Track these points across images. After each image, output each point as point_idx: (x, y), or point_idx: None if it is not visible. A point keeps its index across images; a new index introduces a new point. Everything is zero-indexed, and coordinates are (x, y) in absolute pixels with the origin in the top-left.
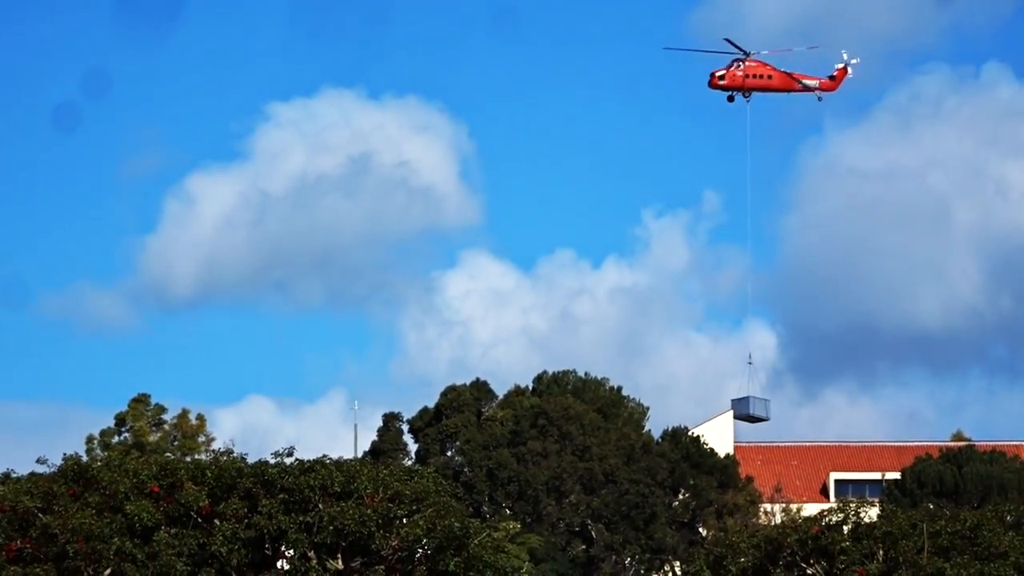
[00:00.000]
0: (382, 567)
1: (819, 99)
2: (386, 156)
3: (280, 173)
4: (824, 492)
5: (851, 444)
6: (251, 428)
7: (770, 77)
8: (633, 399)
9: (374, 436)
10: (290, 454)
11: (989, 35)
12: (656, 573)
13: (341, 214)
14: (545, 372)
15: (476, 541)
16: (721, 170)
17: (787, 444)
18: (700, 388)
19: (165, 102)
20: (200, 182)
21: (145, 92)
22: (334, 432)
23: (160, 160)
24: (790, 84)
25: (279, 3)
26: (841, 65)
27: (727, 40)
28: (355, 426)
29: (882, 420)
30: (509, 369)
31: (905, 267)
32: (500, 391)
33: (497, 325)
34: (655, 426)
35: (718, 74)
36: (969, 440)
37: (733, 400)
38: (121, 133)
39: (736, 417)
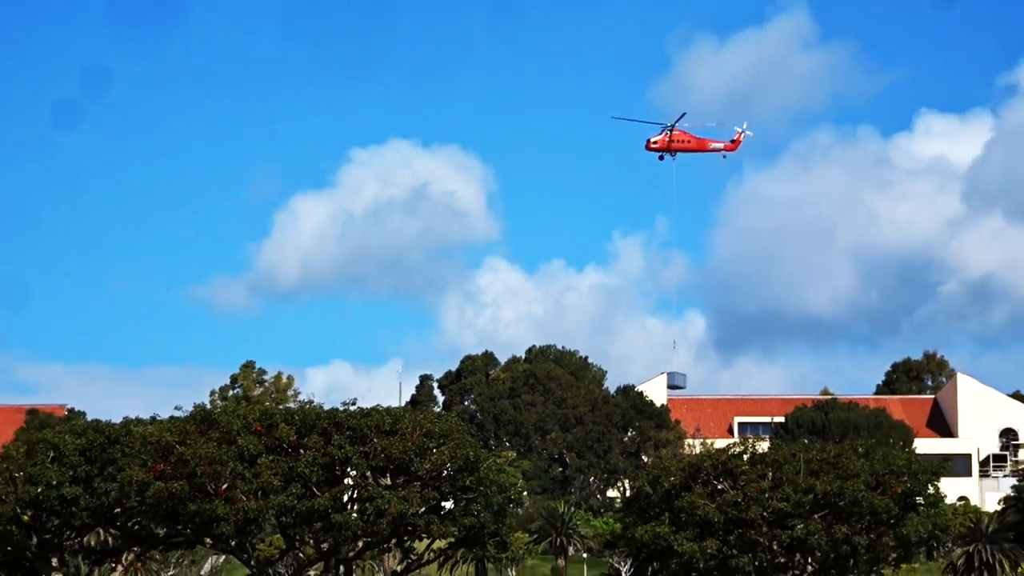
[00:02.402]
0: (418, 483)
1: (723, 157)
2: (436, 188)
3: (359, 199)
4: (731, 431)
5: (750, 397)
6: (335, 384)
7: (688, 142)
8: (596, 365)
9: (413, 391)
10: (354, 403)
11: (863, 103)
12: (612, 488)
13: (403, 229)
14: (534, 346)
15: (485, 465)
16: (670, 200)
17: (705, 397)
18: (651, 356)
19: (279, 143)
20: (301, 203)
21: (263, 134)
22: (392, 387)
23: (273, 186)
24: (703, 147)
25: (358, 72)
26: (739, 133)
27: (659, 123)
28: (399, 384)
29: (778, 379)
30: (517, 342)
31: (801, 269)
32: (504, 358)
33: (508, 311)
34: (612, 384)
35: (652, 140)
36: (833, 395)
37: (663, 372)
38: (246, 164)
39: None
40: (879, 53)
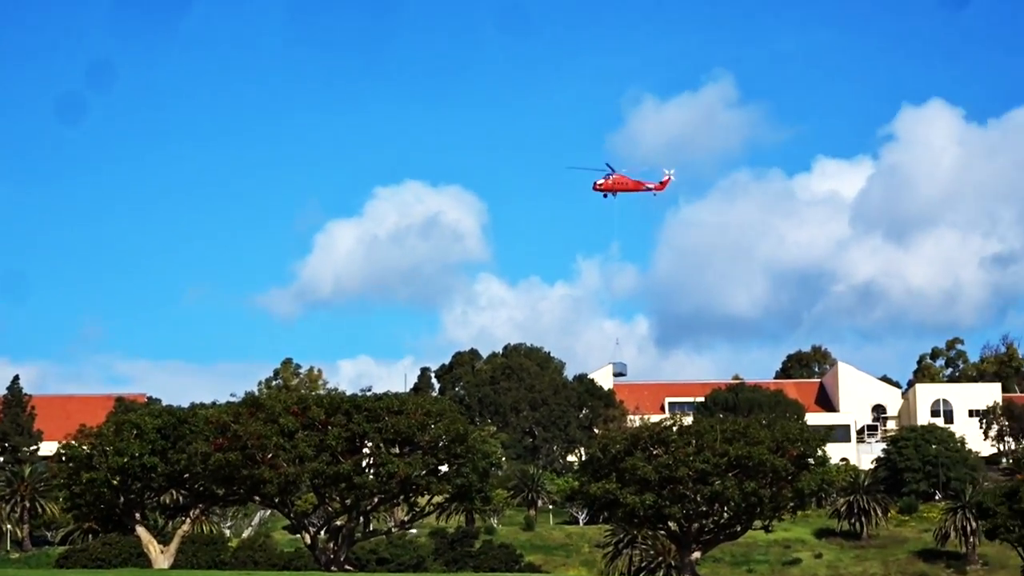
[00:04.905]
0: (420, 452)
1: (654, 195)
2: (442, 218)
3: (383, 225)
4: (663, 409)
5: (677, 383)
6: (362, 373)
7: (626, 184)
8: (557, 358)
9: (416, 379)
10: (369, 389)
11: (771, 150)
12: (571, 454)
13: (417, 250)
14: (509, 343)
15: (471, 437)
16: (620, 228)
17: (642, 382)
18: (604, 350)
19: (317, 181)
20: (337, 228)
21: (306, 172)
22: (402, 377)
23: (315, 214)
24: (638, 187)
25: (381, 123)
26: (666, 176)
27: (607, 164)
28: (405, 375)
29: (700, 367)
30: (503, 339)
31: (724, 279)
32: (486, 354)
33: (496, 316)
34: (570, 373)
35: (597, 182)
36: (742, 379)
37: (611, 362)
38: (291, 196)
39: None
40: (786, 111)
